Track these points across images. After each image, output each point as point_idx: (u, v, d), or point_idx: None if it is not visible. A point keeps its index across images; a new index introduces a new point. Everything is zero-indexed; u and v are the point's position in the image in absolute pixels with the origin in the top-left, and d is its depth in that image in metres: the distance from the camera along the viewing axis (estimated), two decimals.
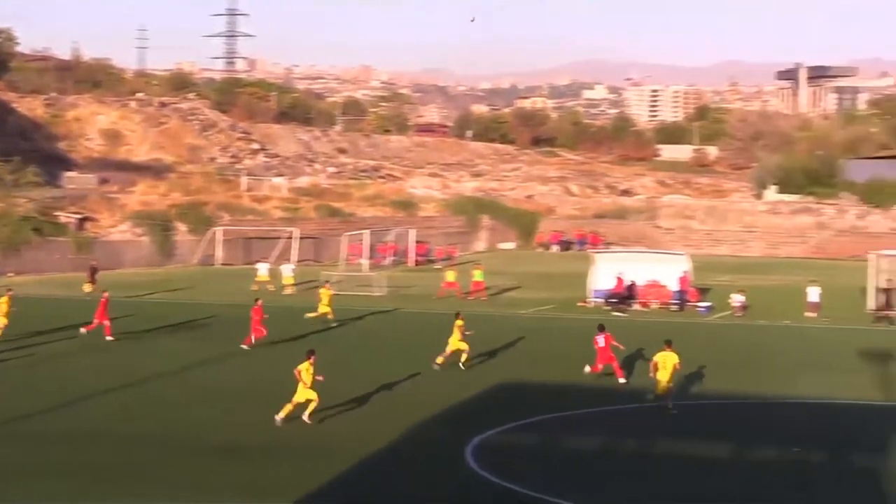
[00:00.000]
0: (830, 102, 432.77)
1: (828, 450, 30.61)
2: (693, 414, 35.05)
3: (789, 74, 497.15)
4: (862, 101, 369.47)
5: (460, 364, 40.84)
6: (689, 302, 62.05)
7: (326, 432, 31.21)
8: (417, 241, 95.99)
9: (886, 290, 59.81)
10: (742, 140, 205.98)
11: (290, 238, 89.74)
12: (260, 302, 47.51)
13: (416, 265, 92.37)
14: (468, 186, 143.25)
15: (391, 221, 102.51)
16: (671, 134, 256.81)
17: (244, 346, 45.37)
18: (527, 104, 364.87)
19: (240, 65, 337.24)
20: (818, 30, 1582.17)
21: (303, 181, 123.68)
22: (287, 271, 71.50)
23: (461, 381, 39.22)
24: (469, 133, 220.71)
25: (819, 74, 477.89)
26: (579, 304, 63.15)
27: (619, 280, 62.22)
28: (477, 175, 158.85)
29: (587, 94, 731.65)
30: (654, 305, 62.47)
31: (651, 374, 35.13)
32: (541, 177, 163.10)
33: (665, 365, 34.74)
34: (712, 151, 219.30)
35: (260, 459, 28.30)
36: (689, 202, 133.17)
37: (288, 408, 31.52)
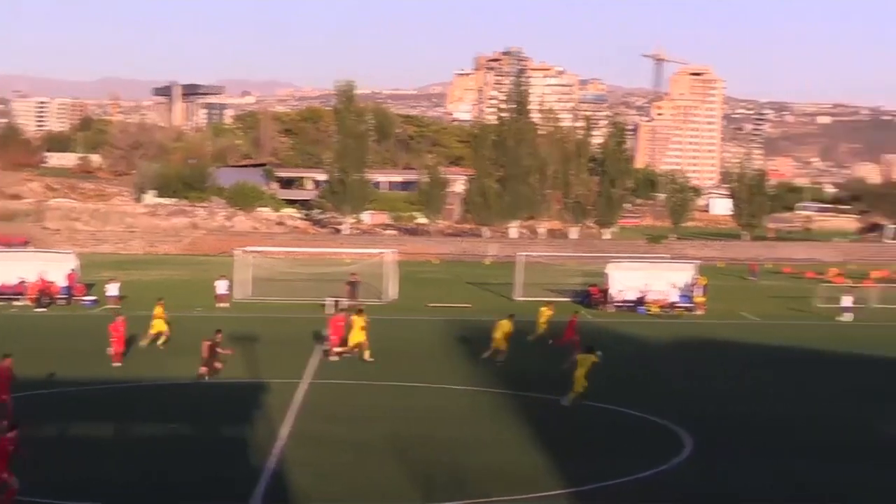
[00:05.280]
0: (201, 117, 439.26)
1: (197, 424, 31.14)
2: (73, 399, 34.33)
3: (165, 91, 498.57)
4: (228, 117, 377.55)
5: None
6: (76, 297, 60.68)
7: None
8: None
9: (351, 283, 61.71)
10: (123, 149, 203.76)
11: None
12: None
13: None
14: None
15: None
16: (57, 143, 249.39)
17: None
18: None
19: None
20: (191, 50, 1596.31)
21: None
22: None
23: None
24: None
25: (191, 92, 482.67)
26: None
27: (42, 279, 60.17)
28: None
29: None
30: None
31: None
32: None
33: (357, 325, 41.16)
34: (96, 159, 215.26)
35: None
36: (75, 205, 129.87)
37: None
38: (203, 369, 37.75)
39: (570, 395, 34.00)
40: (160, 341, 43.94)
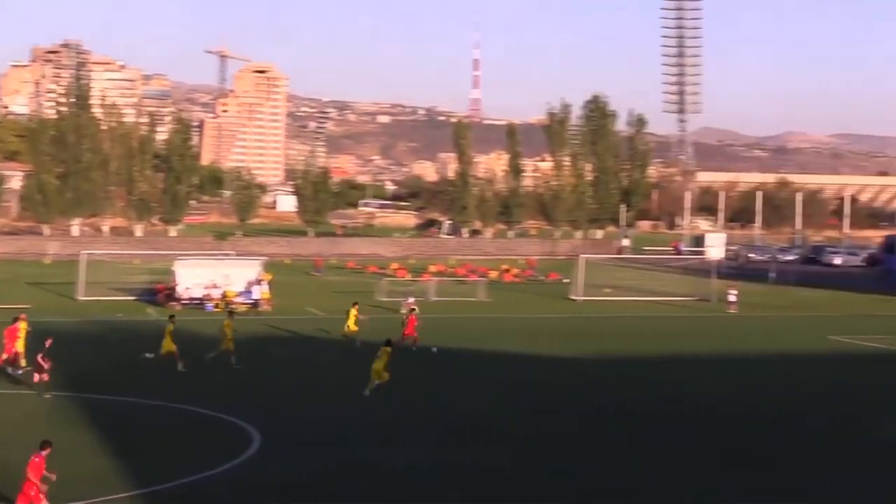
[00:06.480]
0: None
1: None
2: None
3: None
4: None
5: None
6: None
7: None
8: None
9: None
10: None
11: None
12: None
13: None
14: None
15: None
16: None
17: None
18: None
19: None
20: None
21: None
22: None
23: None
24: None
25: None
26: None
27: None
28: None
29: None
30: None
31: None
32: None
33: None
34: None
35: None
36: None
37: None
38: (36, 377, 35.78)
39: (369, 386, 36.75)
40: None
